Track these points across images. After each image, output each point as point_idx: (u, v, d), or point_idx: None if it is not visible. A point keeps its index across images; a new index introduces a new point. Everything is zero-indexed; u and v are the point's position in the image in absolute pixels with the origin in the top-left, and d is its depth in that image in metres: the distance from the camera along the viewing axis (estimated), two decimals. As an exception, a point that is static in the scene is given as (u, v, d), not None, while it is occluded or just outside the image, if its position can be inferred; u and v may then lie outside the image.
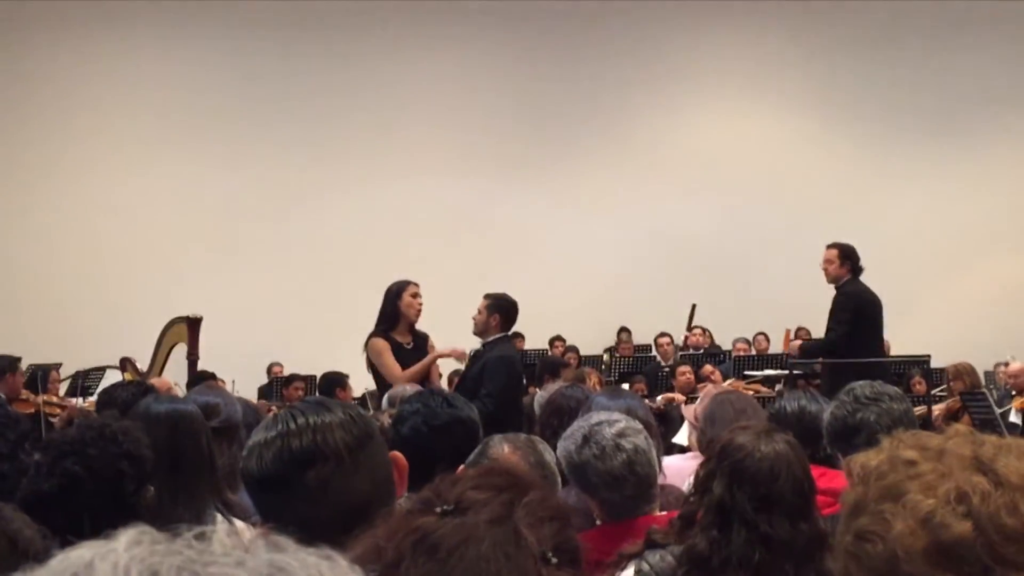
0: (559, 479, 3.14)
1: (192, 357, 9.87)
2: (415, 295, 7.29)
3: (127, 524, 2.33)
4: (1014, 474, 1.26)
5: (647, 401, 10.44)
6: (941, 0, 15.63)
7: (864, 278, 8.88)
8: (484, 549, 1.21)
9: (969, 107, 15.59)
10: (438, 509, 1.27)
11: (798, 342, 9.64)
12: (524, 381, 7.74)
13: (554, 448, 3.36)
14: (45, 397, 9.29)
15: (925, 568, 1.23)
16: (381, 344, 7.12)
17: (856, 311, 8.64)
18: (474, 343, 7.39)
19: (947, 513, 1.24)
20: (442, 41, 15.41)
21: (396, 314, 7.24)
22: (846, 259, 8.78)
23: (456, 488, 1.30)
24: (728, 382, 10.29)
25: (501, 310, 7.18)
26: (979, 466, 1.28)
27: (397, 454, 2.02)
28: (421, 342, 7.31)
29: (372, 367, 7.26)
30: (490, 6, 15.45)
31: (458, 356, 7.57)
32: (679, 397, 10.06)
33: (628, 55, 15.62)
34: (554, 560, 1.25)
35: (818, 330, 10.16)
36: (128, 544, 0.76)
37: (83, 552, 0.76)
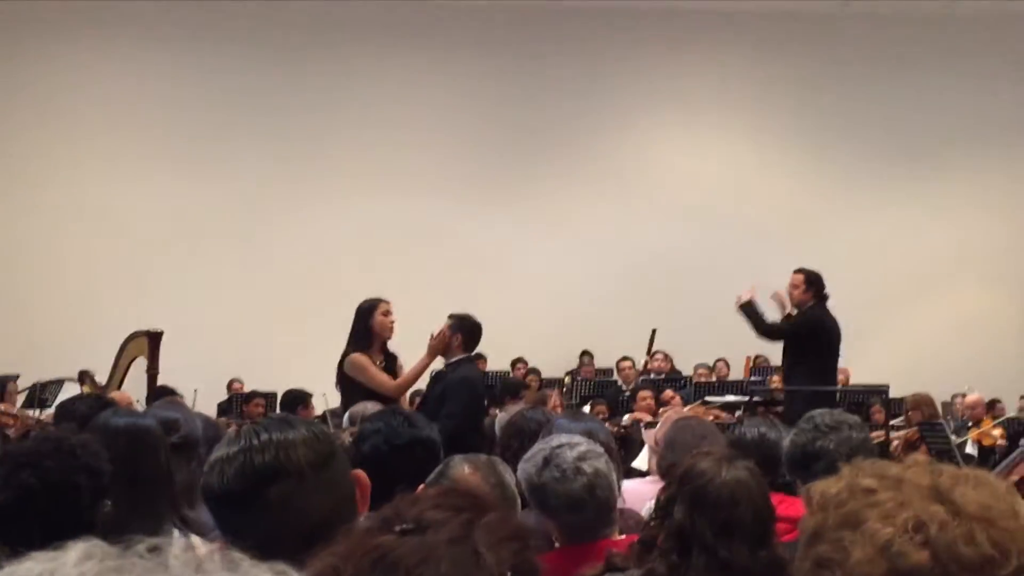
0: (519, 501, 3.14)
1: (152, 372, 9.79)
2: (387, 313, 7.23)
3: (82, 538, 2.31)
4: (971, 504, 1.27)
5: (608, 424, 10.48)
6: (909, 29, 15.78)
7: (829, 306, 8.96)
8: (443, 569, 1.21)
9: (934, 138, 15.76)
10: (397, 528, 1.26)
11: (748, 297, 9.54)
12: (486, 402, 7.71)
13: (514, 470, 3.36)
14: (0, 407, 9.18)
15: (883, 597, 1.24)
16: (364, 359, 7.03)
17: (810, 335, 8.70)
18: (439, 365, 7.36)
19: (905, 542, 1.24)
20: (412, 62, 15.41)
21: (370, 333, 7.18)
22: (811, 285, 8.87)
23: (416, 507, 1.30)
24: (688, 407, 10.31)
25: (464, 330, 7.16)
26: (937, 496, 1.28)
27: (360, 472, 2.02)
28: (391, 363, 7.27)
29: (346, 385, 7.13)
30: (460, 29, 15.50)
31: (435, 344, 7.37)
32: (643, 416, 10.07)
33: (596, 79, 15.68)
34: (514, 581, 1.25)
35: (778, 358, 10.23)
36: (78, 559, 0.74)
37: (32, 566, 0.74)
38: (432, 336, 7.20)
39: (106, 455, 2.88)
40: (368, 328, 7.16)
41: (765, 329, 9.21)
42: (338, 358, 7.23)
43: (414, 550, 1.22)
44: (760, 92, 15.96)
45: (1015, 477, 8.76)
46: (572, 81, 15.68)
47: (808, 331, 8.75)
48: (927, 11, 15.56)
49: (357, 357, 7.03)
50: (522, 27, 15.62)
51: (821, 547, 1.31)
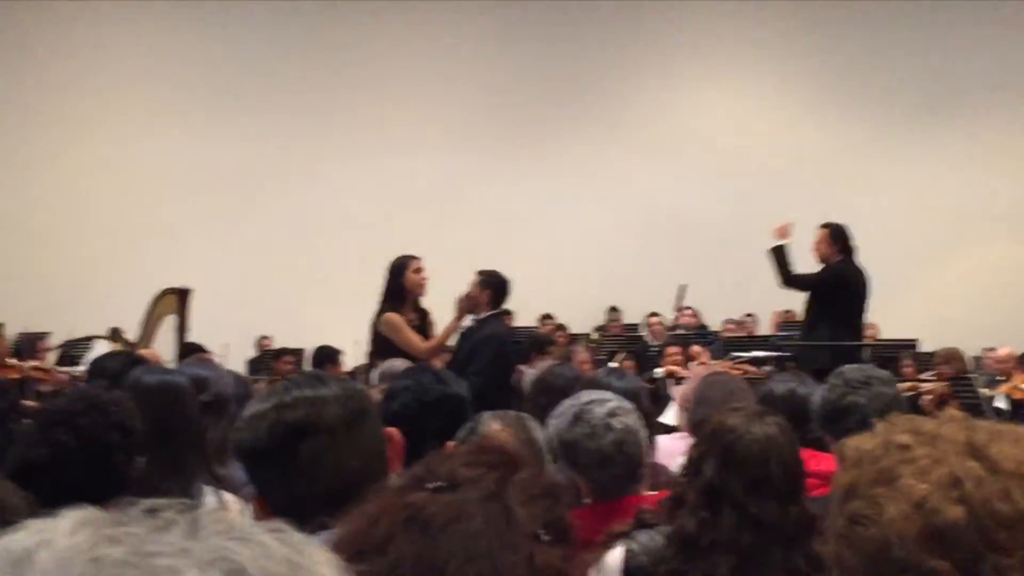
0: (547, 457, 3.14)
1: (182, 329, 9.84)
2: (419, 270, 7.24)
3: (116, 495, 2.34)
4: (1007, 460, 1.26)
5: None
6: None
7: (857, 260, 8.91)
8: (476, 526, 1.21)
9: (964, 89, 15.59)
10: (429, 486, 1.26)
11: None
12: (514, 359, 7.71)
13: (544, 426, 3.36)
14: (33, 363, 9.25)
15: (917, 553, 1.23)
16: (399, 319, 7.04)
17: (834, 288, 8.65)
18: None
19: (940, 498, 1.24)
20: (439, 15, 15.36)
21: (402, 290, 7.18)
22: (836, 239, 8.80)
23: (447, 465, 1.30)
24: (717, 363, 10.29)
25: (492, 287, 7.17)
26: (973, 452, 1.27)
27: (392, 430, 2.02)
28: (424, 319, 7.28)
29: (380, 343, 7.15)
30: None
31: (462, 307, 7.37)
32: (676, 370, 10.05)
33: (624, 34, 15.58)
34: (545, 537, 1.24)
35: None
36: (70, 530, 0.71)
37: (22, 538, 0.72)
38: (460, 297, 7.21)
39: (138, 413, 2.90)
40: (401, 285, 7.17)
41: (789, 278, 9.15)
42: (368, 315, 7.25)
43: (446, 507, 1.22)
44: (788, 45, 15.81)
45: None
46: (600, 36, 15.59)
47: (831, 285, 8.69)
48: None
49: (392, 317, 7.04)
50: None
51: (855, 503, 1.30)
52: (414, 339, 7.03)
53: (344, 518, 1.28)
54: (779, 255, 9.22)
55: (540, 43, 15.52)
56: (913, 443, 1.31)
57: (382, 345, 7.08)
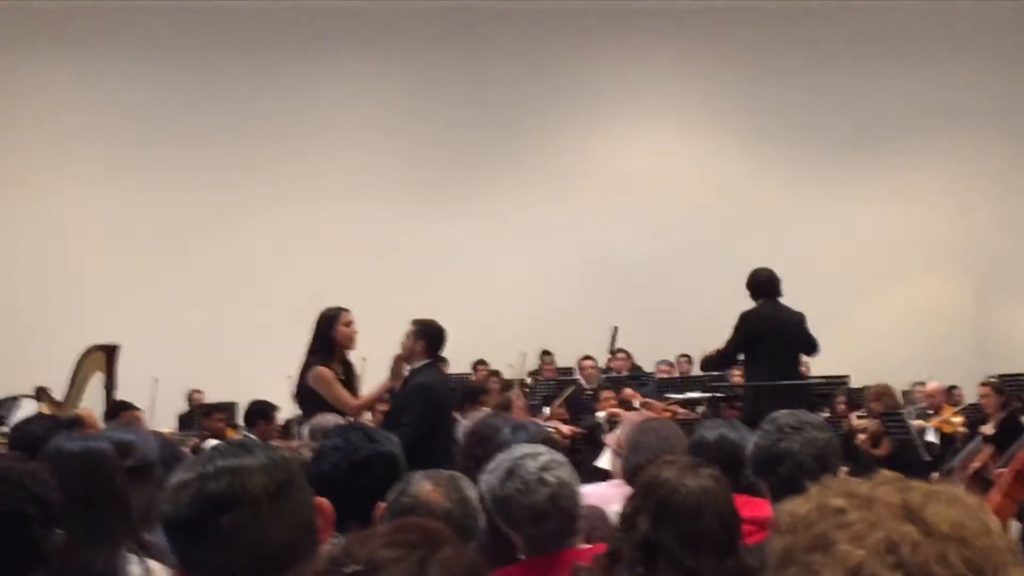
0: (482, 516, 3.10)
1: (109, 386, 9.69)
2: (349, 323, 7.17)
3: (34, 569, 2.26)
4: (944, 523, 1.23)
5: (566, 427, 10.48)
6: (860, 25, 15.88)
7: (783, 300, 8.97)
8: None
9: (890, 127, 15.86)
10: (348, 570, 1.21)
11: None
12: (448, 408, 7.64)
13: (478, 478, 3.33)
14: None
15: (856, 620, 1.20)
16: (329, 374, 6.96)
17: (744, 332, 8.77)
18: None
19: (877, 564, 1.21)
20: (364, 65, 15.38)
21: (332, 342, 7.11)
22: (748, 287, 8.92)
23: (366, 546, 1.25)
24: (641, 401, 10.34)
25: (426, 336, 7.11)
26: (908, 515, 1.25)
27: (322, 500, 1.96)
28: (349, 372, 7.21)
29: (307, 396, 7.08)
30: (413, 30, 15.43)
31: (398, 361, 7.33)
32: (617, 412, 10.08)
33: (552, 80, 15.68)
34: (470, 619, 1.20)
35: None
36: None
37: None
38: (395, 356, 7.15)
39: (55, 484, 2.82)
40: (330, 338, 7.10)
41: (719, 362, 9.37)
42: (297, 367, 7.17)
43: None
44: (716, 85, 16.00)
45: (976, 465, 8.85)
46: (526, 82, 15.67)
47: (739, 331, 8.81)
48: (880, 3, 15.69)
49: (323, 371, 6.96)
50: (475, 28, 15.59)
51: (791, 571, 1.27)
52: (344, 395, 6.96)
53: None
54: (709, 363, 9.63)
55: (468, 91, 15.57)
56: (848, 506, 1.28)
57: (309, 397, 7.00)
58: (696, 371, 12.92)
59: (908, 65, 15.87)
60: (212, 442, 9.32)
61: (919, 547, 1.21)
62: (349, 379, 7.17)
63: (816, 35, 15.91)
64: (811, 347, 9.06)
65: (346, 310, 7.22)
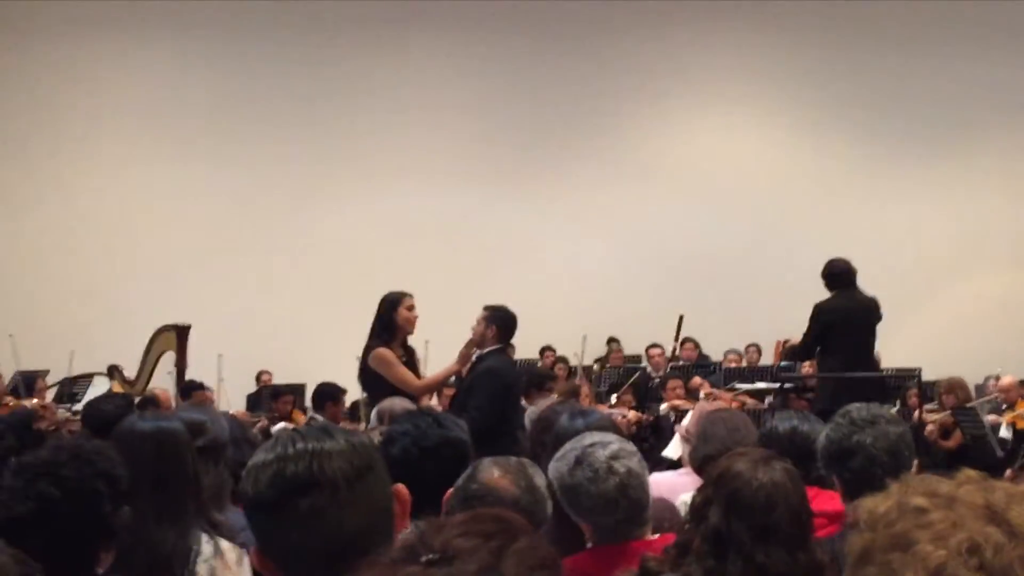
0: (549, 503, 3.09)
1: (180, 366, 9.80)
2: (411, 307, 7.20)
3: (106, 545, 2.28)
4: (1027, 525, 1.21)
5: (635, 413, 10.46)
6: (932, 11, 15.64)
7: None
8: None
9: (960, 117, 15.62)
10: (423, 558, 1.21)
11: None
12: (516, 393, 7.66)
13: (546, 465, 3.32)
14: (33, 401, 9.21)
15: (935, 622, 1.18)
16: (389, 354, 7.00)
17: (820, 323, 8.72)
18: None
19: (959, 565, 1.19)
20: (439, 49, 15.41)
21: (393, 326, 7.15)
22: (824, 278, 8.85)
23: (442, 535, 1.24)
24: (719, 392, 10.27)
25: (498, 321, 7.14)
26: (991, 516, 1.23)
27: (400, 487, 1.97)
28: (410, 357, 7.25)
29: (370, 378, 7.13)
30: (487, 15, 15.41)
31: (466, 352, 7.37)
32: (680, 403, 10.09)
33: (623, 66, 15.60)
34: (544, 609, 1.20)
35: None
36: None
37: None
38: (468, 341, 7.18)
39: (121, 460, 2.85)
40: (392, 321, 7.13)
41: (800, 353, 9.38)
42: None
43: None
44: (788, 74, 15.84)
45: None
46: (597, 66, 15.61)
47: (815, 322, 8.76)
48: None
49: (383, 351, 6.99)
50: (548, 11, 15.52)
51: (869, 569, 1.25)
52: (407, 375, 6.99)
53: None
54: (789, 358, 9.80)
55: (535, 76, 15.53)
56: (929, 506, 1.26)
57: (372, 380, 7.05)
58: (764, 361, 12.88)
59: (980, 52, 15.59)
60: (281, 425, 9.43)
61: (1003, 549, 1.19)
62: (411, 363, 7.20)
63: (886, 21, 15.67)
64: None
65: (408, 295, 7.24)
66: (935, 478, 1.33)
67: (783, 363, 10.36)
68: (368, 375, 7.09)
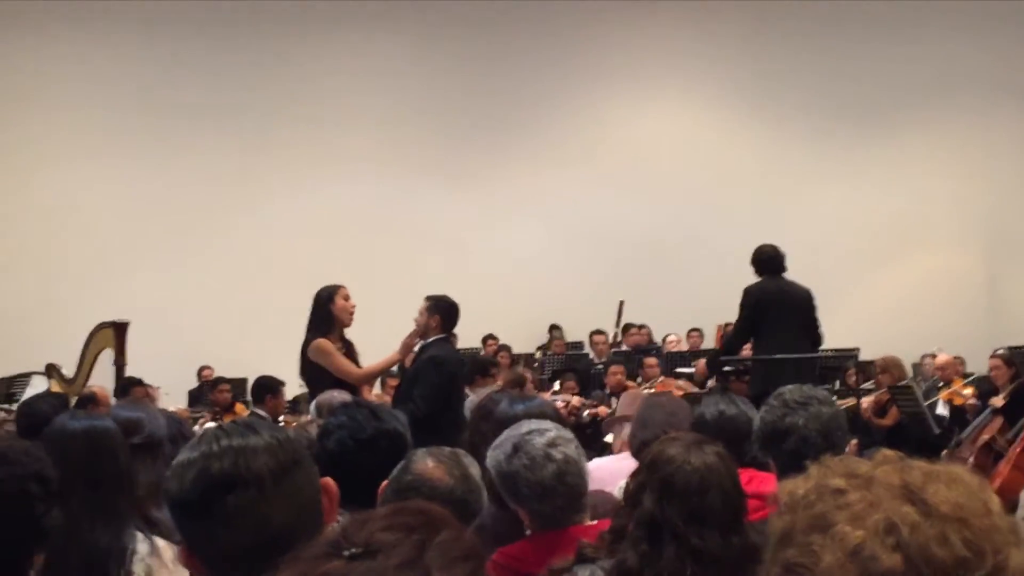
0: (484, 493, 3.09)
1: (119, 363, 9.72)
2: (347, 298, 7.20)
3: (38, 547, 2.25)
4: (944, 503, 1.22)
5: (579, 399, 10.48)
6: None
7: (791, 273, 8.95)
8: None
9: (898, 101, 15.79)
10: (346, 553, 1.20)
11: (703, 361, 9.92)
12: (460, 381, 7.67)
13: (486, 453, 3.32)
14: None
15: (855, 603, 1.19)
16: (328, 345, 7.01)
17: (749, 307, 8.79)
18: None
19: (876, 545, 1.20)
20: (369, 42, 15.33)
21: (330, 319, 7.14)
22: (752, 264, 8.90)
23: (365, 529, 1.24)
24: (659, 380, 10.34)
25: (441, 311, 7.16)
26: (908, 495, 1.24)
27: (328, 481, 1.95)
28: (350, 350, 7.24)
29: (311, 371, 7.13)
30: (415, 6, 15.36)
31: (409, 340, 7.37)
32: (603, 411, 10.09)
33: (557, 53, 15.62)
34: (468, 603, 1.19)
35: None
36: None
37: None
38: (415, 320, 7.19)
39: (50, 461, 2.81)
40: (329, 314, 7.13)
41: (732, 347, 9.42)
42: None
43: None
44: (722, 60, 15.93)
45: (986, 437, 8.84)
46: (532, 54, 15.61)
47: (745, 307, 8.83)
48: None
49: (321, 342, 7.00)
50: (484, 5, 15.49)
51: (789, 551, 1.26)
52: (347, 364, 7.00)
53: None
54: (713, 359, 9.74)
55: (472, 65, 15.51)
56: (847, 487, 1.27)
57: (313, 373, 7.05)
58: (707, 345, 12.97)
59: (918, 34, 15.78)
60: (209, 425, 9.37)
61: (919, 528, 1.20)
62: (351, 354, 7.20)
63: (818, 5, 15.80)
64: (816, 338, 9.02)
65: (342, 286, 7.24)
66: (854, 459, 1.35)
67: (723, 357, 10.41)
68: (309, 368, 7.09)
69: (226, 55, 14.93)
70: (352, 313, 7.21)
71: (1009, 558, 1.20)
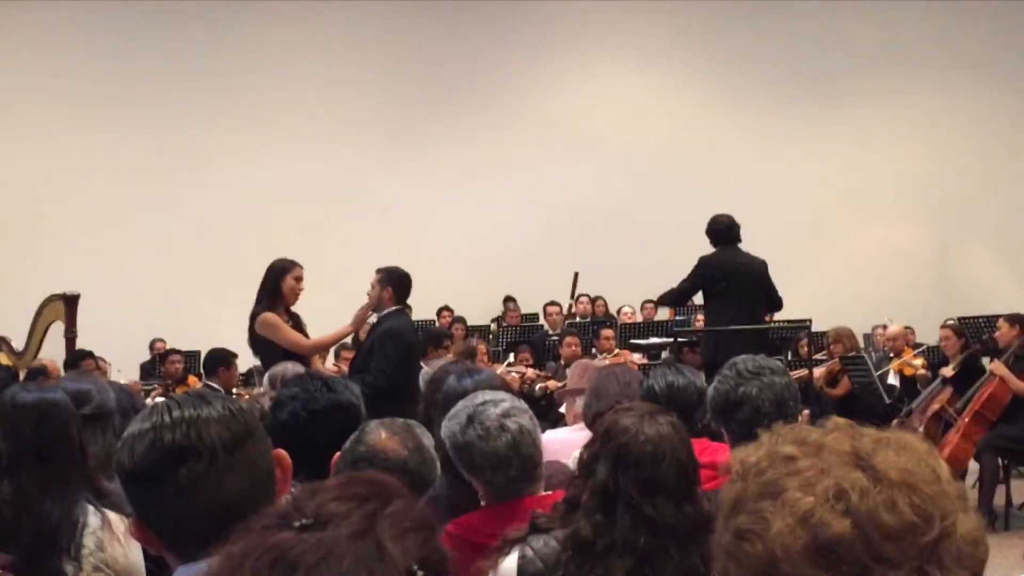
0: (437, 464, 3.09)
1: (70, 335, 9.62)
2: (299, 279, 7.16)
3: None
4: (892, 469, 1.23)
5: (534, 371, 10.51)
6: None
7: (745, 245, 8.98)
8: (345, 566, 1.14)
9: (847, 75, 15.89)
10: (296, 524, 1.20)
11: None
12: (416, 353, 7.67)
13: (439, 424, 3.32)
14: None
15: (805, 568, 1.20)
16: (275, 318, 6.98)
17: (701, 275, 8.84)
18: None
19: (826, 511, 1.21)
20: (332, 12, 15.26)
21: (278, 293, 7.11)
22: (707, 234, 8.93)
23: (315, 500, 1.23)
24: (615, 352, 10.37)
25: (393, 282, 7.15)
26: (857, 462, 1.25)
27: (281, 452, 1.95)
28: (296, 322, 7.21)
29: (259, 343, 7.11)
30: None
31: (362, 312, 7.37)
32: (552, 384, 10.12)
33: (514, 25, 15.58)
34: (420, 573, 1.19)
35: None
36: None
37: None
38: (368, 294, 7.17)
39: (1, 435, 2.78)
40: (278, 288, 7.09)
41: (672, 298, 9.43)
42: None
43: (313, 547, 1.15)
44: (675, 31, 15.97)
45: (935, 406, 8.95)
46: (490, 26, 15.56)
47: (695, 280, 8.89)
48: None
49: (268, 316, 6.98)
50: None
51: (741, 518, 1.27)
52: (294, 336, 6.98)
53: (209, 561, 1.22)
54: (663, 300, 9.73)
55: (428, 36, 15.46)
56: (798, 454, 1.28)
57: (262, 346, 7.02)
58: (660, 316, 13.02)
59: (874, 7, 15.86)
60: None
61: (868, 494, 1.21)
62: (298, 327, 7.18)
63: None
64: (774, 303, 9.09)
65: (298, 265, 7.20)
66: (805, 427, 1.35)
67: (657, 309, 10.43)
68: (258, 342, 7.05)
69: (193, 28, 14.80)
70: (298, 295, 7.18)
71: (957, 523, 1.22)
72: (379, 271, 7.22)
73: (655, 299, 9.82)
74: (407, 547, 1.19)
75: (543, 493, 3.24)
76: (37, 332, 9.65)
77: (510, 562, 2.75)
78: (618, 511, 2.63)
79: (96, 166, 14.26)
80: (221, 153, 14.72)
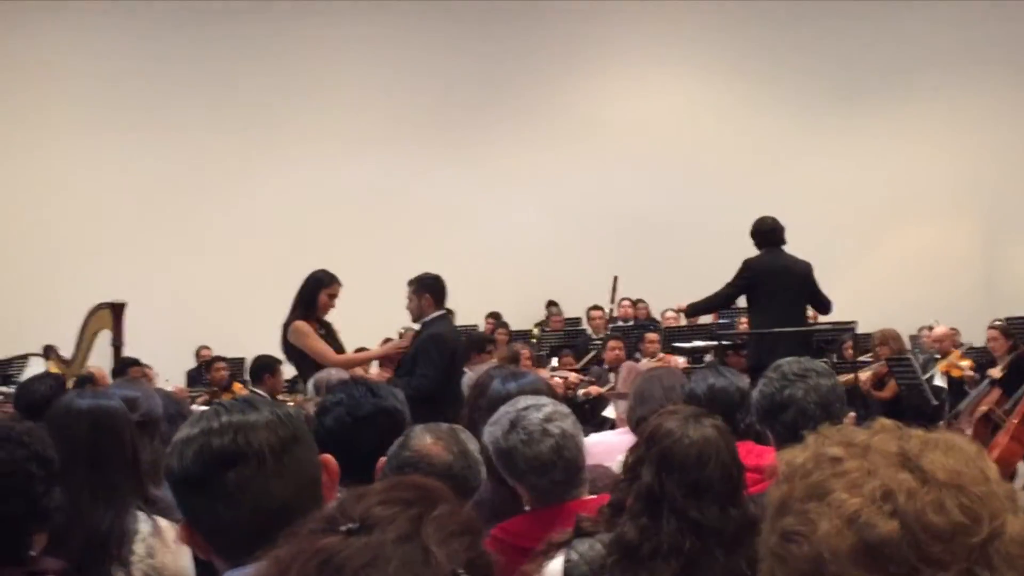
0: (483, 468, 3.09)
1: (117, 343, 9.71)
2: (333, 295, 7.24)
3: (39, 527, 2.24)
4: (940, 470, 1.23)
5: (577, 375, 10.50)
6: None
7: (790, 247, 8.93)
8: (392, 570, 1.15)
9: (894, 74, 15.76)
10: (343, 528, 1.20)
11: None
12: (461, 358, 7.69)
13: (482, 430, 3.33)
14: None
15: (851, 569, 1.20)
16: (306, 327, 7.05)
17: (745, 278, 8.75)
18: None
19: (873, 512, 1.20)
20: (372, 16, 15.28)
21: (313, 303, 7.17)
22: (752, 236, 8.87)
23: (361, 504, 1.24)
24: (659, 356, 10.33)
25: (427, 288, 7.16)
26: (905, 463, 1.24)
27: (328, 457, 1.96)
28: (330, 331, 7.27)
29: (291, 351, 7.17)
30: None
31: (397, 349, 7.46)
32: (595, 390, 10.11)
33: (555, 31, 15.60)
34: (466, 577, 1.19)
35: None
36: None
37: None
38: (407, 308, 7.24)
39: (51, 441, 2.81)
40: (313, 300, 7.16)
41: (715, 304, 9.31)
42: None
43: (360, 551, 1.16)
44: (718, 35, 15.89)
45: (983, 408, 8.85)
46: (524, 30, 15.56)
47: (740, 277, 8.81)
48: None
49: (300, 324, 7.07)
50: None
51: (787, 519, 1.27)
52: (324, 347, 7.05)
53: (256, 565, 1.23)
54: (694, 309, 9.68)
55: (469, 42, 15.47)
56: (844, 455, 1.28)
57: (296, 354, 7.08)
58: (703, 320, 12.95)
59: (916, 6, 15.72)
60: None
61: (915, 495, 1.21)
62: (330, 336, 7.23)
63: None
64: (822, 304, 9.03)
65: (337, 282, 7.26)
66: (852, 428, 1.35)
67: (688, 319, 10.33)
68: (290, 348, 7.13)
69: (230, 33, 14.87)
70: (328, 310, 7.26)
71: (1006, 524, 1.21)
72: (410, 283, 7.28)
73: (683, 308, 9.67)
74: (453, 551, 1.19)
75: (587, 497, 3.23)
76: (85, 340, 9.75)
77: (555, 566, 2.75)
78: (663, 515, 2.63)
79: (143, 175, 14.37)
80: (267, 161, 14.79)
